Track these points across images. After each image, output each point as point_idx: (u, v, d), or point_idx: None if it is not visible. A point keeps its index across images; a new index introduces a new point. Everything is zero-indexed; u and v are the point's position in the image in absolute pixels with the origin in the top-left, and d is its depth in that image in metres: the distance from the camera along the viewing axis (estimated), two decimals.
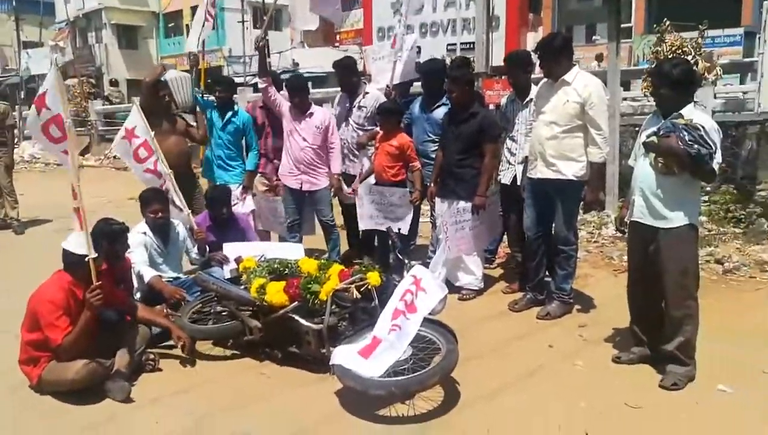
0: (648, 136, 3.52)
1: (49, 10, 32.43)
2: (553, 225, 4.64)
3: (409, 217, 5.22)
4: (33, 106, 3.92)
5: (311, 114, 5.46)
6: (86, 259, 3.47)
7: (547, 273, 4.84)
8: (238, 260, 4.53)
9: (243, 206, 5.68)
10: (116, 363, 3.62)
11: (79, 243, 3.51)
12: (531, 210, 4.65)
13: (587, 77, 4.38)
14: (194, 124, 5.90)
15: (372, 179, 5.43)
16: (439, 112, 5.30)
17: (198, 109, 5.88)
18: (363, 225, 5.43)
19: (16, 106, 19.29)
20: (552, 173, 4.40)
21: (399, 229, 5.37)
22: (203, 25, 6.62)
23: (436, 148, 5.36)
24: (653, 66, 4.95)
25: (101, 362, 3.54)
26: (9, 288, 5.11)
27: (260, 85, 5.46)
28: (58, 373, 3.46)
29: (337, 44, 25.22)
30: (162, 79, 5.52)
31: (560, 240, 4.58)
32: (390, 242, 5.50)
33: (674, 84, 3.46)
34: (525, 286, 4.97)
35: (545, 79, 4.49)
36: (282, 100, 5.54)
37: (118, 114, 17.00)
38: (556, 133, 4.35)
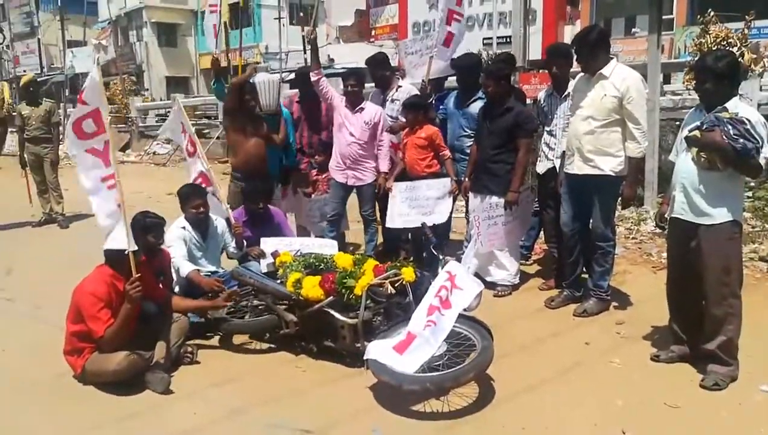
0: (690, 131, 3.43)
1: (93, 10, 33.24)
2: (591, 221, 4.57)
3: (447, 207, 5.21)
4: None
5: (362, 109, 5.48)
6: (126, 252, 3.56)
7: (584, 269, 4.78)
8: (274, 255, 4.58)
9: (283, 205, 5.69)
10: (156, 355, 3.71)
11: (118, 239, 3.59)
12: (568, 205, 4.59)
13: (625, 70, 4.30)
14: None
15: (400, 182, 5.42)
16: (475, 107, 5.27)
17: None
18: (390, 223, 5.38)
19: (61, 104, 19.85)
20: (589, 168, 4.33)
21: (434, 223, 5.37)
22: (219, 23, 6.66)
23: (471, 143, 5.33)
24: (696, 59, 4.82)
25: (141, 354, 3.63)
26: (55, 281, 5.27)
27: (313, 78, 5.44)
28: (101, 364, 3.57)
29: (372, 39, 25.23)
30: (250, 81, 5.43)
31: (597, 236, 4.51)
32: (424, 238, 5.51)
33: (718, 77, 3.37)
34: (561, 282, 4.91)
35: (582, 74, 4.43)
36: (334, 92, 5.58)
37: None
38: (593, 127, 4.28)
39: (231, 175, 5.56)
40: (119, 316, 3.57)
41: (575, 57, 4.53)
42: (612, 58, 4.36)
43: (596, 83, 4.28)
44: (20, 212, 8.43)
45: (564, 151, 4.65)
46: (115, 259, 3.63)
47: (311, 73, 5.46)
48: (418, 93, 5.66)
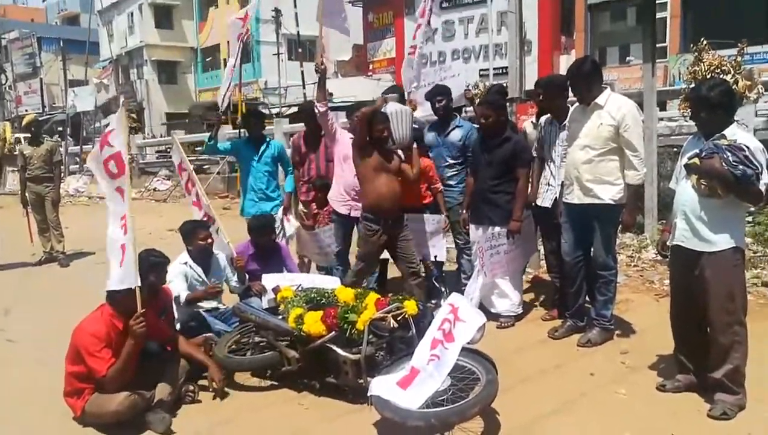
0: (690, 158, 3.45)
1: (94, 50, 33.71)
2: (592, 250, 4.56)
3: (443, 243, 5.23)
4: (96, 144, 4.07)
5: None
6: (132, 287, 3.55)
7: (587, 299, 4.76)
8: (275, 290, 4.57)
9: (288, 228, 5.72)
10: (157, 394, 3.66)
11: (121, 279, 3.58)
12: (568, 235, 4.59)
13: (620, 99, 4.34)
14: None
15: None
16: (455, 135, 5.40)
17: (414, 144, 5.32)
18: (386, 255, 5.34)
19: (62, 142, 20.01)
20: (589, 198, 4.35)
21: (436, 257, 5.37)
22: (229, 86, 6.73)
23: (454, 173, 5.41)
24: (691, 88, 4.87)
25: (143, 394, 3.59)
26: (55, 320, 5.25)
27: (320, 109, 5.39)
28: (101, 404, 3.52)
29: (370, 73, 25.51)
30: (382, 111, 5.02)
31: (599, 265, 4.50)
32: (426, 271, 5.49)
33: (713, 107, 3.40)
34: (564, 312, 4.89)
35: (577, 104, 4.47)
36: (338, 125, 5.62)
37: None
38: (591, 156, 4.31)
39: (361, 216, 5.01)
40: (122, 353, 3.54)
41: (570, 88, 4.58)
42: (606, 88, 4.41)
43: (592, 113, 4.32)
44: (21, 251, 8.42)
45: (563, 181, 4.67)
46: (116, 297, 3.62)
47: (318, 105, 5.40)
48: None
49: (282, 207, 5.83)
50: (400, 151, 5.02)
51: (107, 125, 4.03)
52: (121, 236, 3.62)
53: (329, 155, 5.78)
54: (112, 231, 3.67)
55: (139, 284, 3.59)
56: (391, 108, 5.05)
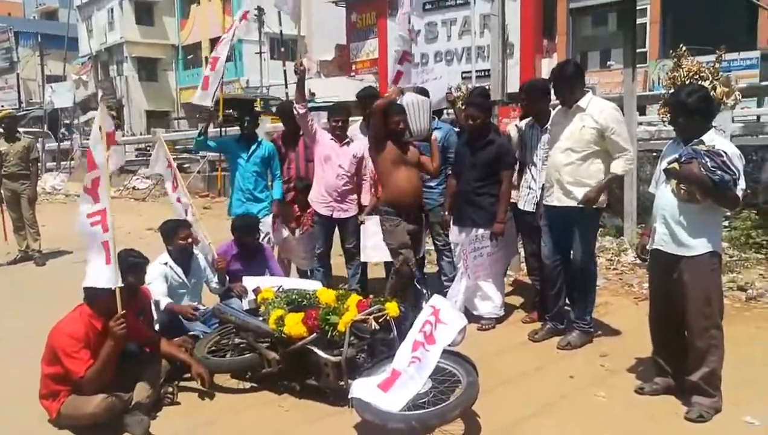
0: (669, 163, 3.49)
1: (73, 45, 33.26)
2: (571, 253, 4.60)
3: (422, 243, 5.23)
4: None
5: (348, 142, 5.53)
6: (113, 288, 3.50)
7: (566, 301, 4.79)
8: (256, 291, 4.53)
9: (275, 237, 5.64)
10: (135, 396, 3.61)
11: (101, 277, 3.53)
12: (548, 238, 4.62)
13: (601, 103, 4.39)
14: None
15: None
16: (435, 136, 5.38)
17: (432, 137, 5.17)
18: (365, 257, 5.33)
19: (39, 139, 19.71)
20: (569, 201, 4.38)
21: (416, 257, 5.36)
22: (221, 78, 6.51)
23: (450, 175, 5.39)
24: (670, 93, 4.94)
25: (120, 396, 3.53)
26: (31, 320, 5.16)
27: (300, 111, 5.36)
28: (77, 407, 3.46)
29: (353, 74, 25.49)
30: (398, 102, 4.90)
31: (579, 268, 4.53)
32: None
33: (692, 112, 3.45)
34: (544, 315, 4.91)
35: (559, 107, 4.50)
36: (318, 127, 5.60)
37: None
38: (572, 159, 4.34)
39: (380, 211, 4.93)
40: (101, 354, 3.48)
41: (553, 91, 4.61)
42: (588, 91, 4.45)
43: (574, 115, 4.35)
44: None
45: (543, 184, 4.70)
46: (95, 298, 3.57)
47: (297, 106, 5.38)
48: None
49: (271, 214, 5.72)
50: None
51: (86, 122, 3.99)
52: (101, 233, 3.56)
53: (309, 155, 5.76)
54: (85, 226, 3.59)
55: (121, 285, 3.54)
56: (408, 99, 4.93)
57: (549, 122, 4.67)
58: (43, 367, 3.57)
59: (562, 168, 4.38)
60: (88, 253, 3.60)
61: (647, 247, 3.78)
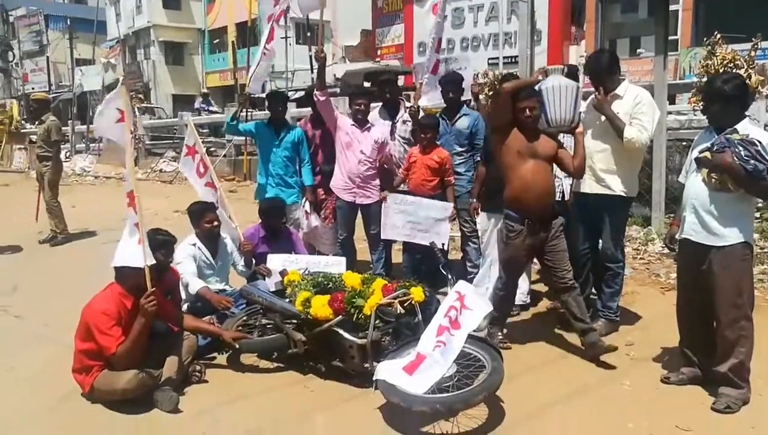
0: (701, 152, 3.45)
1: (101, 29, 33.57)
2: (600, 242, 4.56)
3: (447, 230, 5.23)
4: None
5: (370, 127, 5.53)
6: (142, 267, 3.58)
7: (593, 290, 4.76)
8: (282, 273, 4.58)
9: (306, 224, 5.62)
10: (164, 373, 3.70)
11: (131, 256, 3.61)
12: (578, 225, 4.59)
13: (637, 89, 4.38)
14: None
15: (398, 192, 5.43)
16: (463, 123, 5.40)
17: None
18: (384, 235, 5.40)
19: (69, 121, 20.00)
20: (601, 188, 4.35)
21: (442, 244, 5.37)
22: (258, 63, 6.37)
23: (462, 160, 5.41)
24: (705, 81, 4.85)
25: (150, 372, 3.62)
26: (61, 298, 5.29)
27: (321, 98, 5.39)
28: (110, 382, 3.56)
29: (378, 59, 25.39)
30: (537, 87, 4.20)
31: (607, 257, 4.50)
32: (434, 258, 5.50)
33: (727, 100, 3.39)
34: None
35: (594, 94, 4.45)
36: (338, 112, 5.61)
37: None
38: (606, 147, 4.31)
39: (505, 214, 4.29)
40: (132, 331, 3.57)
41: (590, 82, 4.56)
42: (624, 78, 4.42)
43: (610, 103, 4.31)
44: (26, 229, 8.45)
45: None
46: (125, 276, 3.65)
47: (317, 93, 5.42)
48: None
49: (306, 201, 5.67)
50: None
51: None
52: (133, 214, 3.64)
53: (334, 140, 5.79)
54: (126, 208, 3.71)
55: (151, 263, 3.63)
56: (550, 82, 4.23)
57: (584, 110, 4.61)
58: (77, 343, 3.66)
59: (595, 154, 4.35)
60: (123, 233, 3.67)
61: (676, 236, 3.74)
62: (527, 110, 4.06)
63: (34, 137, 8.10)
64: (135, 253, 3.61)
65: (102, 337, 3.51)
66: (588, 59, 4.53)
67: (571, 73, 4.60)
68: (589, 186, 4.41)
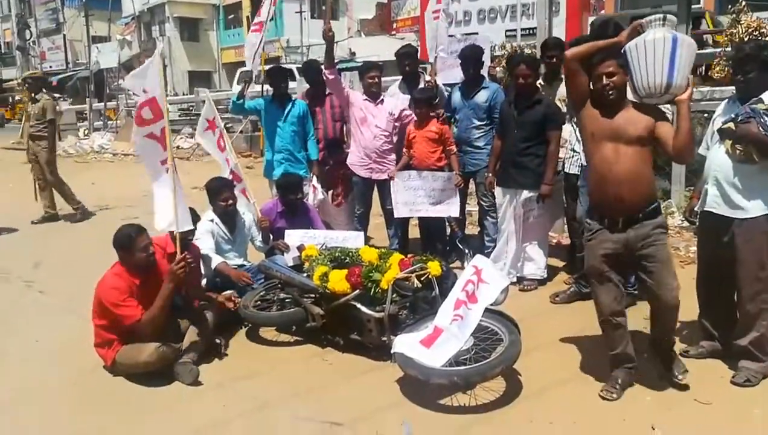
0: (724, 123, 3.38)
1: (116, 6, 33.55)
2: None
3: (457, 200, 5.23)
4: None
5: (382, 100, 5.50)
6: (175, 233, 3.73)
7: None
8: (300, 248, 4.61)
9: (314, 198, 5.62)
10: (185, 347, 3.75)
11: (169, 221, 3.74)
12: (585, 198, 4.55)
13: None
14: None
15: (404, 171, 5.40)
16: (481, 96, 5.34)
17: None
18: (397, 213, 5.41)
19: (87, 99, 20.12)
20: None
21: (451, 214, 5.36)
22: (261, 42, 6.33)
23: (481, 134, 5.36)
24: (734, 48, 4.72)
25: (171, 346, 3.68)
26: (82, 274, 5.36)
27: (329, 77, 5.38)
28: (132, 355, 3.62)
29: (393, 32, 25.15)
30: (623, 49, 3.21)
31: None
32: (450, 232, 5.51)
33: (763, 65, 3.29)
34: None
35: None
36: (349, 89, 5.60)
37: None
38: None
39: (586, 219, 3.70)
40: (160, 294, 3.64)
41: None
42: None
43: None
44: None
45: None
46: (126, 257, 3.70)
47: (326, 72, 5.38)
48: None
49: (313, 175, 5.68)
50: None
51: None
52: (167, 180, 3.76)
53: (335, 115, 5.77)
54: (153, 175, 3.84)
55: (189, 228, 3.82)
56: (642, 38, 3.13)
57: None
58: (95, 319, 3.74)
59: None
60: (160, 201, 3.81)
61: (696, 209, 3.69)
62: (603, 77, 3.21)
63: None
64: (173, 218, 3.70)
65: (121, 309, 3.57)
66: (591, 29, 4.44)
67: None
68: None
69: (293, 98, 5.90)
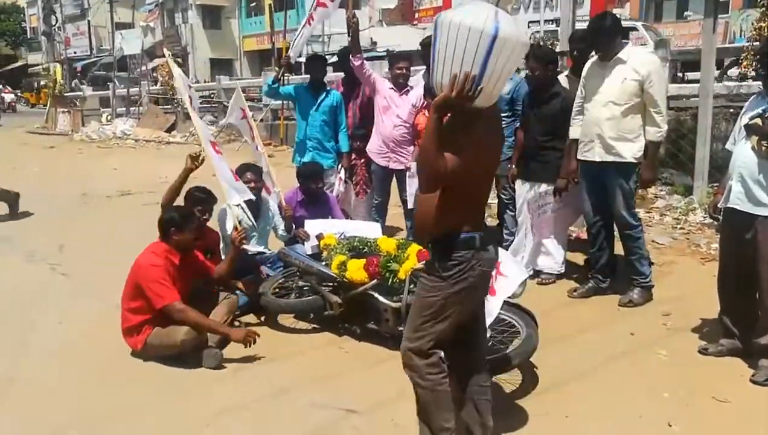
0: (751, 119, 3.33)
1: None
2: (613, 209, 4.48)
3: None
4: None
5: (407, 91, 5.47)
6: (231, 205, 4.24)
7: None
8: (319, 237, 4.63)
9: (337, 190, 5.63)
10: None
11: (240, 193, 4.20)
12: (588, 195, 4.53)
13: (643, 53, 4.33)
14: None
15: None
16: (503, 88, 5.25)
17: None
18: (411, 204, 5.37)
19: (109, 84, 20.32)
20: (611, 156, 4.29)
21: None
22: (301, 32, 6.28)
23: (503, 126, 5.29)
24: (763, 43, 4.65)
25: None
26: (106, 258, 5.45)
27: (356, 63, 5.37)
28: (164, 337, 3.68)
29: (415, 22, 25.02)
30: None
31: (622, 224, 4.45)
32: None
33: None
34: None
35: (592, 59, 4.36)
36: (377, 76, 5.57)
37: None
38: (615, 113, 4.23)
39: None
40: (226, 258, 4.16)
41: (591, 45, 4.48)
42: (627, 42, 4.32)
43: (613, 68, 4.23)
44: (69, 188, 8.66)
45: (580, 139, 4.56)
46: (170, 234, 3.79)
47: (353, 58, 5.38)
48: None
49: (341, 167, 5.69)
50: None
51: (154, 69, 4.31)
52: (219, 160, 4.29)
53: (364, 105, 5.75)
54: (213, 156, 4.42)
55: (249, 197, 4.41)
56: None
57: (583, 75, 4.50)
58: (125, 303, 3.79)
59: (604, 122, 4.26)
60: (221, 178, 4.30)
61: (719, 205, 3.66)
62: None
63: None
64: (240, 189, 4.28)
65: (160, 287, 3.63)
66: (590, 24, 4.45)
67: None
68: (598, 154, 4.35)
69: (328, 88, 5.87)
